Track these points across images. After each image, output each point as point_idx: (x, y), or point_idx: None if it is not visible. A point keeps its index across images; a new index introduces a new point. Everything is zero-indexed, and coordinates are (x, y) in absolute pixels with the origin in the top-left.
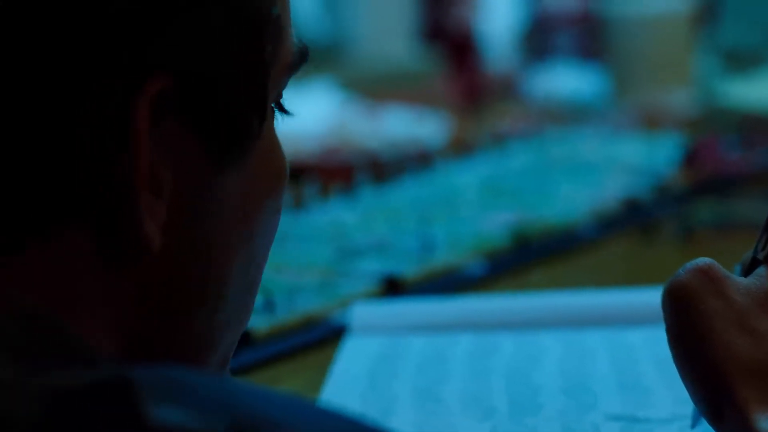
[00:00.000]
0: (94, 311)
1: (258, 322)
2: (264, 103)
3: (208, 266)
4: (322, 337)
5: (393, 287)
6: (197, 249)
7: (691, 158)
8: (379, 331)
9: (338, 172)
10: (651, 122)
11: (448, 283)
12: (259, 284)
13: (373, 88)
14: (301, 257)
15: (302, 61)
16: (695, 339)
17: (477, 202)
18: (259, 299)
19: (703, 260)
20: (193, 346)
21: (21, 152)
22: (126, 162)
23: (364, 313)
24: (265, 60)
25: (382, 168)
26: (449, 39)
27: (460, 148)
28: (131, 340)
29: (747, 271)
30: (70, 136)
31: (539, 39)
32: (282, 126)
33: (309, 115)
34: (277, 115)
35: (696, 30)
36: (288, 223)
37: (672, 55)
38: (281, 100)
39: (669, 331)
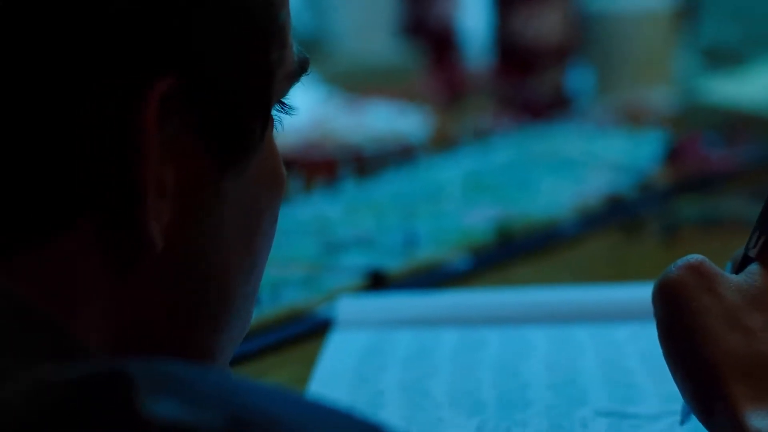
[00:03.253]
0: (92, 312)
1: None
2: (267, 109)
3: (209, 272)
4: (307, 331)
5: (377, 282)
6: (197, 253)
7: (674, 155)
8: (365, 326)
9: (321, 167)
10: (633, 119)
11: (432, 277)
12: (257, 293)
13: (354, 82)
14: (285, 251)
15: (303, 71)
16: (686, 335)
17: (460, 197)
18: None
19: (694, 257)
20: (193, 353)
21: (27, 151)
22: (133, 162)
23: (349, 307)
24: (270, 65)
25: (364, 162)
26: (430, 35)
27: (442, 143)
28: (129, 344)
29: (738, 268)
30: (77, 134)
31: None
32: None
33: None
34: (276, 124)
35: (677, 27)
36: None
37: (653, 52)
38: (280, 110)
39: (659, 327)
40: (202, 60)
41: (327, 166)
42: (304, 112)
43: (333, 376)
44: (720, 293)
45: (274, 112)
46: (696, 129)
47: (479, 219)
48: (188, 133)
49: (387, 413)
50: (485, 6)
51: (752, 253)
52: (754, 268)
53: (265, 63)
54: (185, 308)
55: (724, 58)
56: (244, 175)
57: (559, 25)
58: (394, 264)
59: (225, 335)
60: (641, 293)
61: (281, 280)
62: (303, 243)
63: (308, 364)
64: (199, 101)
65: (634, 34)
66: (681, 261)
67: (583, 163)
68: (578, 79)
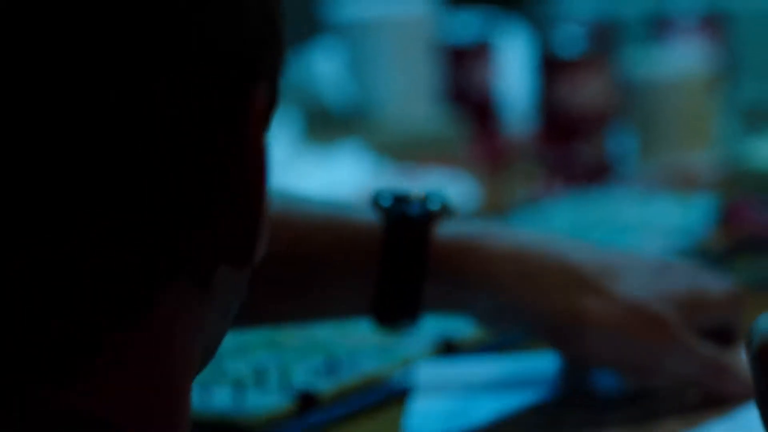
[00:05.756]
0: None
1: (323, 384)
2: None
3: None
4: (385, 399)
5: (449, 349)
6: None
7: (726, 219)
8: (444, 392)
9: None
10: (679, 183)
11: (501, 344)
12: None
13: (401, 151)
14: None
15: None
16: None
17: None
18: (321, 361)
19: None
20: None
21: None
22: (253, 179)
23: (427, 374)
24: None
25: None
26: (471, 102)
27: (493, 212)
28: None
29: None
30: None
31: None
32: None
33: (340, 179)
34: None
35: (716, 91)
36: None
37: (694, 115)
38: None
39: (758, 391)
40: (275, 68)
41: None
42: (353, 182)
43: None
44: None
45: None
46: (743, 192)
47: None
48: None
49: None
50: (527, 73)
51: None
52: None
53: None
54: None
55: (765, 118)
56: None
57: (602, 92)
58: (465, 331)
59: None
60: None
61: (357, 348)
62: None
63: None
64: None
65: (675, 99)
66: None
67: (636, 228)
68: (622, 144)
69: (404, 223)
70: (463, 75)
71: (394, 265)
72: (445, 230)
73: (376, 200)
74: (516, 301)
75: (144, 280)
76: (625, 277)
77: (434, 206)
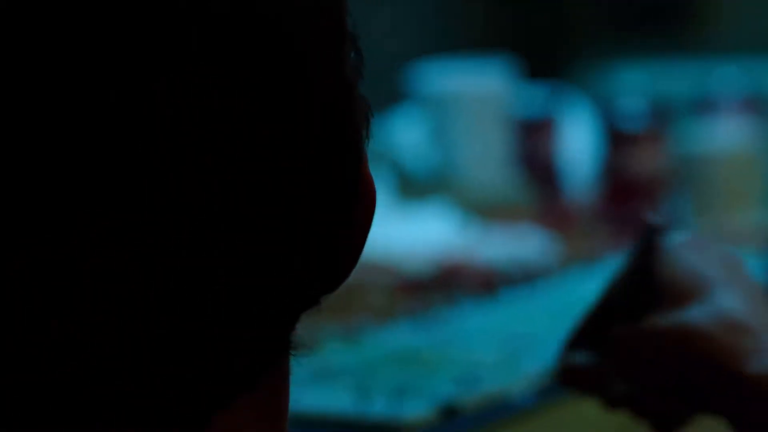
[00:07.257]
0: None
1: (462, 397)
2: None
3: None
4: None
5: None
6: None
7: None
8: None
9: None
10: (729, 241)
11: None
12: None
13: (477, 211)
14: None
15: None
16: None
17: None
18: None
19: None
20: None
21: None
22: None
23: None
24: None
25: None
26: (538, 169)
27: (569, 265)
28: None
29: None
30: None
31: None
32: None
33: (430, 234)
34: None
35: (758, 160)
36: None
37: (740, 183)
38: None
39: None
40: None
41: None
42: (439, 238)
43: None
44: None
45: None
46: None
47: None
48: None
49: None
50: (588, 143)
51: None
52: None
53: None
54: None
55: None
56: None
57: (659, 161)
58: None
59: None
60: None
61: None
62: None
63: None
64: None
65: (722, 170)
66: None
67: None
68: (677, 207)
69: None
70: (530, 145)
71: None
72: None
73: None
74: None
75: None
76: None
77: None
